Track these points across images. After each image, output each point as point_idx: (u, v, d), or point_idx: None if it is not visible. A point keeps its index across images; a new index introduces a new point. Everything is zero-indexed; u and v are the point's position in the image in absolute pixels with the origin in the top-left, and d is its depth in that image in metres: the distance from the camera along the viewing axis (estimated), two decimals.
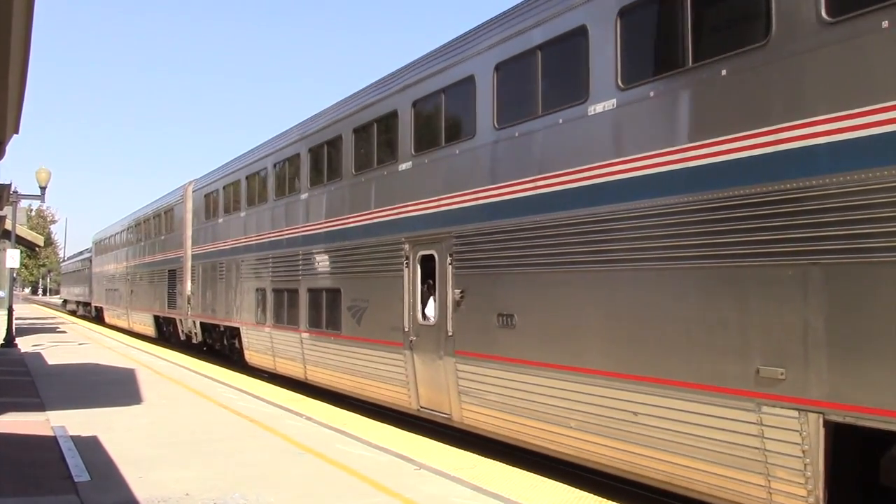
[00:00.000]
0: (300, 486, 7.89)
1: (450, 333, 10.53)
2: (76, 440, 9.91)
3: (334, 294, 14.07)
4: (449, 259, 10.59)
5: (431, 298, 11.24)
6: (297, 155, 16.18)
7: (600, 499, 7.86)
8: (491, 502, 7.42)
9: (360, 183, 13.39)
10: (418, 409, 11.59)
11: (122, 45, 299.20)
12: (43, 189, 24.87)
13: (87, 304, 51.35)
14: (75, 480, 7.88)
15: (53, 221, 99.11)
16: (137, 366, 19.61)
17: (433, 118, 11.48)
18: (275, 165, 17.59)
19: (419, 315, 11.45)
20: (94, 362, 20.27)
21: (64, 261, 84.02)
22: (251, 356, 18.73)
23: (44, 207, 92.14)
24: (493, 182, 9.81)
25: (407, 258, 11.70)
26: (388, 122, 12.63)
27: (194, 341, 24.51)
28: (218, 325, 21.87)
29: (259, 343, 18.08)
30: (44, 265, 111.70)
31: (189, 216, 24.92)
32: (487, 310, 9.79)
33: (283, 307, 16.52)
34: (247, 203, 19.34)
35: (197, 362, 21.45)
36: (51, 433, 10.40)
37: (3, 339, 24.61)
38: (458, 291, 10.34)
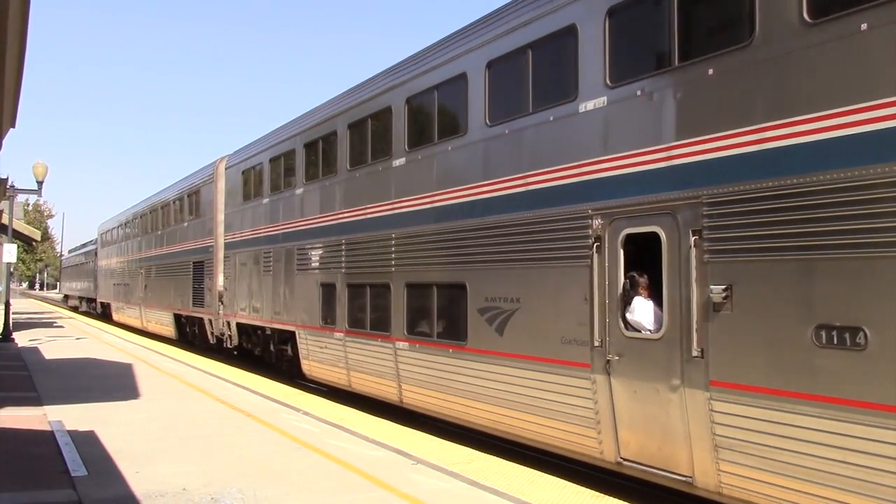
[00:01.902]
0: (297, 481, 7.83)
1: (695, 353, 6.88)
2: (73, 435, 9.83)
3: (454, 291, 10.45)
4: (693, 239, 6.92)
5: (641, 299, 7.67)
6: (387, 109, 12.35)
7: (598, 494, 7.82)
8: (488, 497, 7.36)
9: (500, 138, 9.71)
10: (618, 462, 7.85)
11: (121, 42, 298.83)
12: (40, 183, 24.69)
13: (91, 300, 47.73)
14: (72, 475, 7.82)
15: (50, 216, 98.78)
16: (135, 361, 19.36)
17: (650, 29, 7.79)
18: (350, 127, 13.66)
19: (621, 324, 7.74)
20: (92, 357, 20.06)
21: (61, 255, 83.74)
22: (312, 368, 15.01)
23: (41, 202, 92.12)
24: (824, 108, 5.99)
25: (598, 239, 8.01)
26: (554, 47, 8.98)
27: (228, 346, 20.48)
28: (262, 328, 18.02)
29: (326, 352, 14.27)
30: (41, 260, 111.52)
31: (221, 198, 21.08)
32: (789, 319, 6.15)
33: (364, 307, 12.90)
34: (305, 177, 15.49)
35: (195, 357, 20.89)
36: (48, 428, 10.31)
37: (1, 334, 24.43)
38: (718, 289, 6.69)
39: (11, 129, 12.70)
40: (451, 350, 10.47)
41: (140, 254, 31.69)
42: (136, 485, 7.52)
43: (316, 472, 8.26)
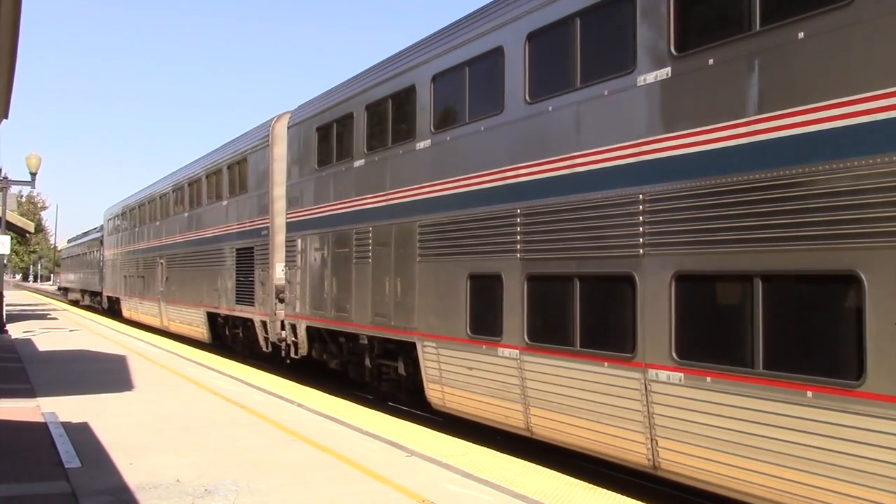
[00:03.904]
0: (291, 473, 7.87)
1: None
2: (67, 426, 9.83)
3: (819, 289, 6.30)
4: None
5: None
6: None
7: (590, 485, 7.87)
8: (482, 489, 7.40)
9: None
10: None
11: (119, 37, 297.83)
12: (33, 175, 24.65)
13: (95, 294, 43.62)
14: (66, 466, 7.84)
15: (44, 208, 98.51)
16: (129, 353, 19.38)
17: None
18: (532, 38, 9.39)
19: None
20: (86, 349, 20.08)
21: (55, 247, 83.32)
22: (447, 396, 10.99)
23: (34, 193, 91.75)
24: None
25: None
26: None
27: (291, 354, 16.03)
28: (352, 336, 13.80)
29: (478, 376, 10.20)
30: (34, 252, 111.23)
31: (280, 166, 16.82)
32: None
33: (567, 312, 8.74)
34: (434, 125, 11.36)
35: (189, 349, 20.63)
36: (41, 419, 10.31)
37: None
38: None
39: (4, 120, 12.67)
40: (810, 394, 6.20)
41: (160, 240, 27.41)
42: (130, 476, 7.52)
43: (310, 465, 8.26)
